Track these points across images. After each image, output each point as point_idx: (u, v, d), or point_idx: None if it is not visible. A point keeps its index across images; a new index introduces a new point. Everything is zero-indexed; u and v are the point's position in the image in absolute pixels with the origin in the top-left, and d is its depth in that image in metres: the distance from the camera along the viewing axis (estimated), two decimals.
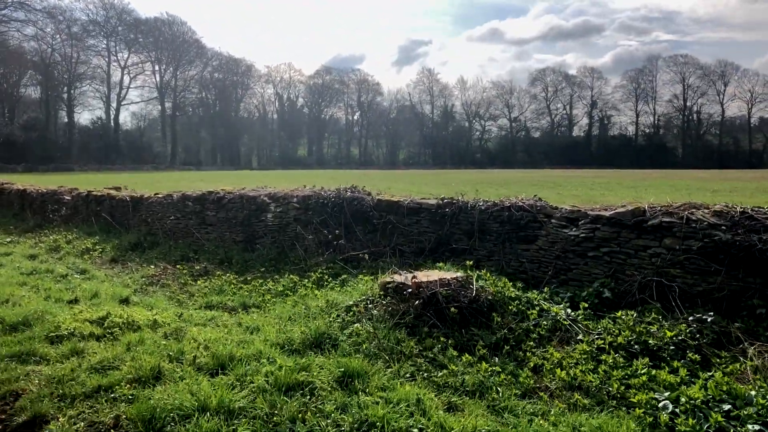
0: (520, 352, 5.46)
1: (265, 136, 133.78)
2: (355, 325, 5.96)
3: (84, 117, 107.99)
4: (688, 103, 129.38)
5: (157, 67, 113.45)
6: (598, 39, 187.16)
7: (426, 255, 8.66)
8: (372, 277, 7.39)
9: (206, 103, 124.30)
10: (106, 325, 6.78)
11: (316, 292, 7.90)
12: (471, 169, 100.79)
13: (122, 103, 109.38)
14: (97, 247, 13.46)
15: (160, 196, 13.82)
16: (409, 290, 5.90)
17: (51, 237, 15.04)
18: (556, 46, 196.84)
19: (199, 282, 10.00)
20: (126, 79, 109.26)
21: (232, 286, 9.43)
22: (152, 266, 11.36)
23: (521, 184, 39.50)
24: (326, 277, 8.76)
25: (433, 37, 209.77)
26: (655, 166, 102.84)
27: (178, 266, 10.95)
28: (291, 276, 9.15)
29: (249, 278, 9.75)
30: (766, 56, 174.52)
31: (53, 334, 6.51)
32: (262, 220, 11.33)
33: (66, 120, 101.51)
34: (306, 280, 8.85)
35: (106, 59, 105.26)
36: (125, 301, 8.94)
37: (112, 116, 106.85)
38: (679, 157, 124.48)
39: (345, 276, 8.54)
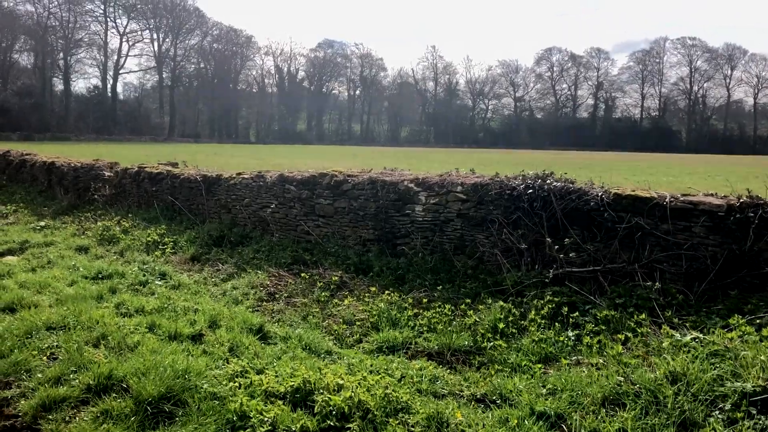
0: None
1: (264, 110, 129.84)
2: None
3: (79, 85, 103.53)
4: (695, 87, 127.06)
5: (155, 35, 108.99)
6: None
7: (711, 281, 5.93)
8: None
9: (204, 74, 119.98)
10: (317, 409, 4.01)
11: (604, 342, 5.12)
12: (476, 149, 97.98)
13: (120, 72, 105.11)
14: (166, 239, 10.62)
15: (246, 176, 10.94)
16: None
17: (99, 223, 12.15)
18: (558, 25, 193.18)
19: (345, 301, 7.24)
20: (125, 47, 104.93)
21: (406, 311, 6.68)
22: (260, 272, 8.56)
23: (565, 166, 36.76)
24: (564, 309, 6.01)
25: (436, 15, 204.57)
26: (659, 149, 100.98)
27: (302, 274, 8.15)
28: (500, 304, 6.38)
29: (421, 298, 7.00)
30: None
31: None
32: (406, 214, 8.55)
33: (62, 87, 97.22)
34: (531, 312, 6.10)
35: (104, 25, 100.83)
36: (260, 333, 6.22)
37: (109, 85, 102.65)
38: (683, 142, 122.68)
39: (608, 312, 5.76)
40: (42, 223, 13.13)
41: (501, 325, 5.90)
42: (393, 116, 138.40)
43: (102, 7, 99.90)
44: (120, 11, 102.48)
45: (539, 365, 5.07)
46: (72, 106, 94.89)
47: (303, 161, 37.55)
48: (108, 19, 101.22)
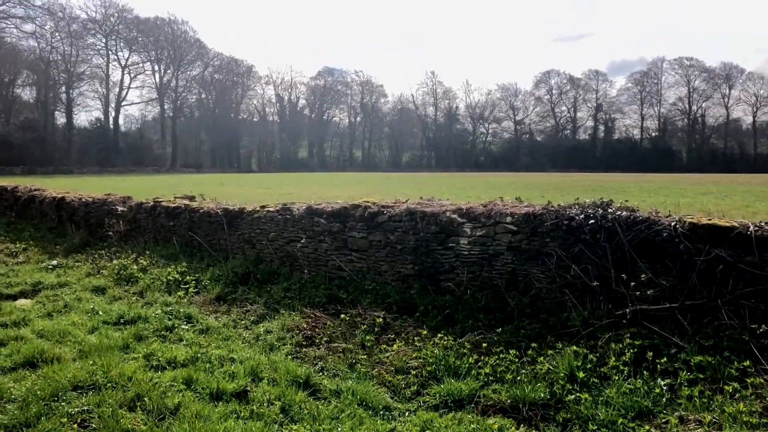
0: None
1: (265, 138, 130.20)
2: None
3: (81, 118, 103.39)
4: (693, 107, 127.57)
5: (157, 67, 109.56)
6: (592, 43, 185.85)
7: None
8: None
9: (206, 105, 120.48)
10: None
11: (708, 394, 4.53)
12: (480, 173, 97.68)
13: (122, 104, 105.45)
14: (188, 278, 10.03)
15: (271, 209, 10.38)
16: None
17: (115, 261, 11.58)
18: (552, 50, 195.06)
19: (394, 346, 6.64)
20: (126, 79, 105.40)
21: (466, 358, 6.07)
22: (293, 312, 7.97)
23: (576, 188, 36.17)
24: (648, 353, 5.41)
25: (430, 40, 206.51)
26: (660, 170, 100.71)
27: (342, 316, 7.56)
28: (573, 348, 5.77)
29: (479, 342, 6.40)
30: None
31: None
32: (449, 247, 7.98)
33: (64, 121, 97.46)
34: (611, 358, 5.49)
35: (105, 58, 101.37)
36: (308, 388, 5.62)
37: (111, 117, 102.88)
38: (683, 161, 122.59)
39: (703, 357, 5.15)
40: (54, 262, 12.58)
41: (580, 374, 5.29)
42: (394, 142, 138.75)
43: (103, 40, 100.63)
44: (121, 44, 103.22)
45: (641, 425, 4.46)
46: (74, 139, 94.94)
47: (311, 189, 37.06)
48: (110, 52, 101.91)
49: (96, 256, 12.60)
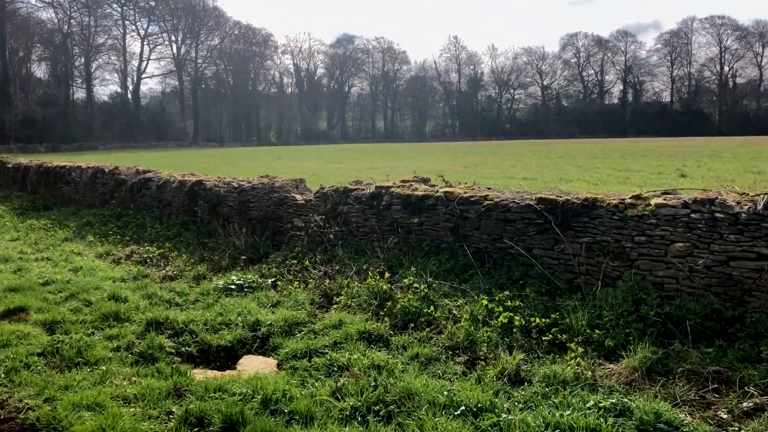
0: None
1: (284, 110, 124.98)
2: None
3: (99, 92, 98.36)
4: (725, 68, 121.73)
5: (174, 38, 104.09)
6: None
7: None
8: None
9: (224, 77, 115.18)
10: None
11: None
12: (511, 141, 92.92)
13: (142, 77, 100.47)
14: (536, 321, 5.85)
15: (669, 203, 6.08)
16: None
17: (355, 283, 7.40)
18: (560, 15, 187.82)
19: None
20: (146, 50, 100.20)
21: None
22: None
23: (683, 156, 31.72)
24: None
25: (438, 8, 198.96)
26: (692, 133, 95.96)
27: None
28: None
29: None
30: None
31: None
32: None
33: (83, 96, 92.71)
34: None
35: (122, 30, 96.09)
36: None
37: (130, 90, 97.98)
38: (715, 124, 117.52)
39: None
40: (234, 279, 8.40)
41: None
42: (417, 111, 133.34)
43: (119, 10, 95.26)
44: (139, 14, 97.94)
45: None
46: (96, 114, 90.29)
47: (389, 162, 32.70)
48: (126, 22, 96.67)
49: (294, 269, 8.46)
